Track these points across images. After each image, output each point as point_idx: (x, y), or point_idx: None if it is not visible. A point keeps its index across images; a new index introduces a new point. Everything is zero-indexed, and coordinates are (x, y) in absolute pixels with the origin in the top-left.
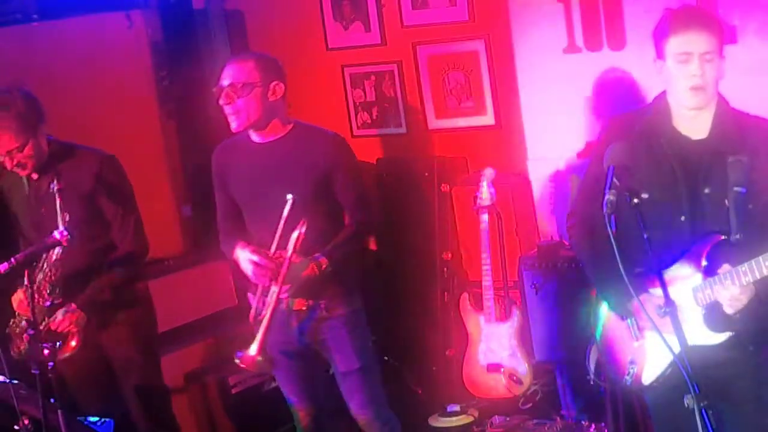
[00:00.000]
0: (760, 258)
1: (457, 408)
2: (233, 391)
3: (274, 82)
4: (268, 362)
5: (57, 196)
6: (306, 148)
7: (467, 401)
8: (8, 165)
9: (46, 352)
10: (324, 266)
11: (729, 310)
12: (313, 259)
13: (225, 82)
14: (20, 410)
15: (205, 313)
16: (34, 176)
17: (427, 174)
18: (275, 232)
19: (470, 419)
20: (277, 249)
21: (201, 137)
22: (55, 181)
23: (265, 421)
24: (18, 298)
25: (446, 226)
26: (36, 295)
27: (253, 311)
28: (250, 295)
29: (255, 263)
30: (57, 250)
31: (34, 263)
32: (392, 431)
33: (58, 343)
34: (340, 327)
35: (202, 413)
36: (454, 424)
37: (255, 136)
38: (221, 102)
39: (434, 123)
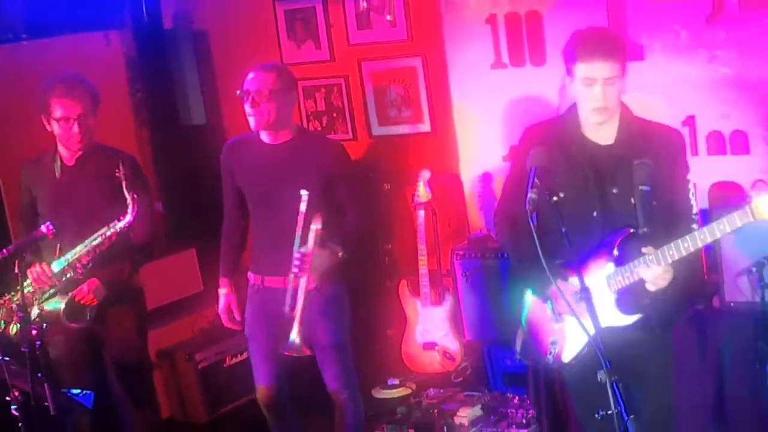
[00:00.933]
0: (680, 240)
1: (396, 381)
2: (200, 366)
3: (294, 91)
4: (306, 343)
5: (123, 179)
6: (314, 152)
7: (406, 375)
8: (74, 130)
9: (34, 332)
10: (340, 254)
11: (653, 288)
12: (331, 250)
13: (252, 87)
14: (11, 384)
15: (175, 298)
16: (69, 163)
17: (371, 175)
18: (286, 224)
19: (408, 391)
20: (300, 243)
21: (170, 143)
22: (121, 167)
23: (229, 392)
24: (37, 270)
25: (387, 221)
26: (68, 268)
27: (287, 305)
28: (249, 273)
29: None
30: (116, 226)
31: (24, 254)
32: (358, 407)
33: (44, 325)
34: (327, 303)
35: (172, 386)
36: (394, 396)
37: (265, 137)
38: (248, 104)
39: (377, 130)
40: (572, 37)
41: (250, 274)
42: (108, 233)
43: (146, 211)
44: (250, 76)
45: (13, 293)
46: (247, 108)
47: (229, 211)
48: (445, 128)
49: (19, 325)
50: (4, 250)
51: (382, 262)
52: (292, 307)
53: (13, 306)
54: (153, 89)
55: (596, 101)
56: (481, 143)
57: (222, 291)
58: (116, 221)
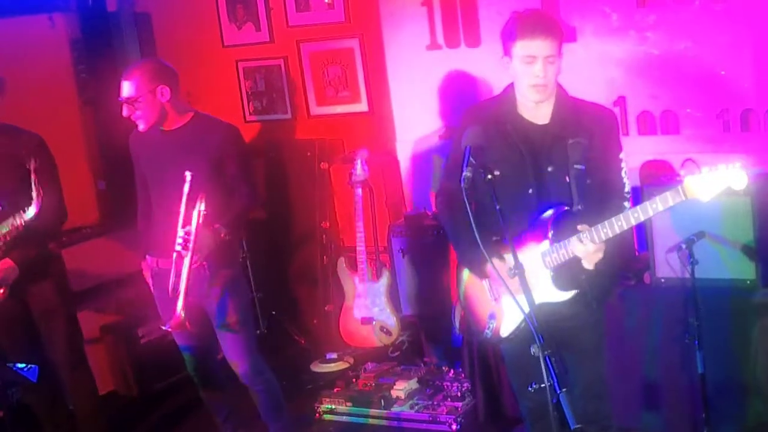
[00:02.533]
0: (613, 219)
1: (335, 356)
2: (142, 341)
3: (159, 87)
4: (190, 319)
5: (33, 174)
6: (203, 135)
7: (344, 350)
8: None
9: None
10: (223, 235)
11: (588, 265)
12: (215, 230)
13: (123, 96)
14: None
15: (118, 275)
16: None
17: (309, 154)
18: (174, 206)
19: (346, 365)
20: (184, 223)
21: (114, 123)
22: (32, 160)
23: (169, 367)
24: None
25: (325, 199)
26: None
27: (171, 284)
28: (148, 257)
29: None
30: (24, 218)
31: None
32: (268, 382)
33: None
34: (221, 285)
35: (115, 361)
36: (332, 369)
37: (157, 126)
38: (124, 114)
39: (315, 110)
40: (511, 17)
41: (147, 257)
42: (15, 223)
43: (52, 192)
44: (121, 85)
45: None
46: (127, 115)
47: (140, 194)
48: (381, 108)
49: None
50: None
51: (319, 240)
52: (175, 286)
53: None
54: (97, 70)
55: (536, 78)
56: (417, 123)
57: (146, 274)
58: (22, 212)
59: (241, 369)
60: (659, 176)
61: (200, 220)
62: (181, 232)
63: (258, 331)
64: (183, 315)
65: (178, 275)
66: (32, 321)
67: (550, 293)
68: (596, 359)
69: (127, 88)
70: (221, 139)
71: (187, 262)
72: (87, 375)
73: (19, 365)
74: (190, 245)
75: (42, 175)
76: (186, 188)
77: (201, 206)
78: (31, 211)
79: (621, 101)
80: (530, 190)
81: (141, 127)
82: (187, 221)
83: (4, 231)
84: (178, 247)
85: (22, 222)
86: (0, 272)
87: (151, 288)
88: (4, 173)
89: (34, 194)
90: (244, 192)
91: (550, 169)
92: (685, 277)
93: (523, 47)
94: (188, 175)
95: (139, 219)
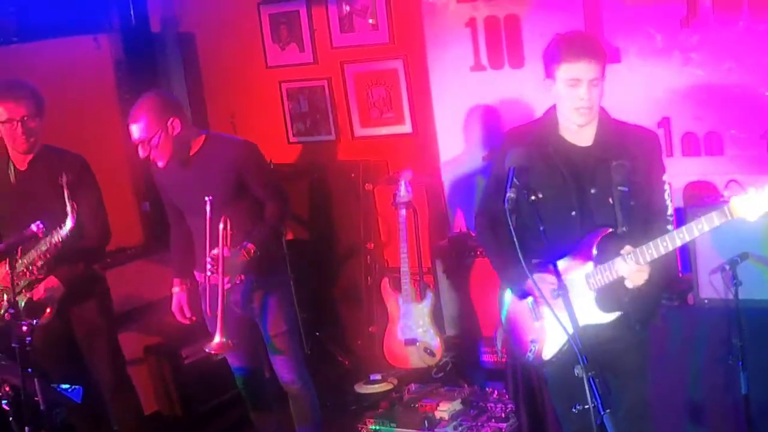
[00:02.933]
0: (659, 240)
1: (378, 377)
2: (185, 362)
3: (169, 121)
4: (231, 343)
5: (65, 188)
6: (218, 156)
7: (388, 371)
8: (18, 131)
9: (24, 328)
10: (252, 251)
11: (631, 284)
12: (243, 247)
13: (135, 138)
14: (1, 379)
15: (162, 295)
16: (22, 168)
17: (353, 175)
18: (203, 226)
19: (390, 386)
20: (211, 246)
21: None
22: (64, 175)
23: (214, 387)
24: (1, 271)
25: (369, 220)
26: (25, 270)
27: (207, 308)
28: (195, 272)
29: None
30: (60, 234)
31: (14, 252)
32: (309, 392)
33: (35, 321)
34: (268, 296)
35: (158, 381)
36: (376, 391)
37: (175, 159)
38: (142, 155)
39: (359, 131)
40: (554, 39)
41: (196, 273)
42: (53, 240)
43: (95, 213)
44: (130, 127)
45: None
46: (143, 155)
47: (171, 219)
48: (425, 129)
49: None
50: None
51: (364, 261)
52: (212, 308)
53: (4, 295)
54: (141, 91)
55: (580, 101)
56: (461, 144)
57: (174, 290)
58: (59, 228)
59: (289, 377)
60: (703, 197)
61: (227, 242)
62: (208, 257)
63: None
64: (223, 338)
65: (213, 298)
66: (75, 342)
67: (594, 315)
68: (640, 381)
69: (138, 130)
70: (236, 156)
71: (220, 284)
72: (130, 397)
73: (64, 386)
74: (219, 269)
75: (77, 191)
76: (208, 212)
77: (225, 228)
78: (66, 226)
79: (665, 122)
80: (573, 213)
81: (160, 164)
82: (214, 244)
83: (43, 249)
84: (209, 273)
85: (60, 238)
86: (44, 291)
87: (184, 305)
88: (46, 194)
89: (68, 209)
90: (272, 204)
91: (593, 191)
92: (729, 298)
93: (567, 70)
94: (207, 200)
95: (173, 244)
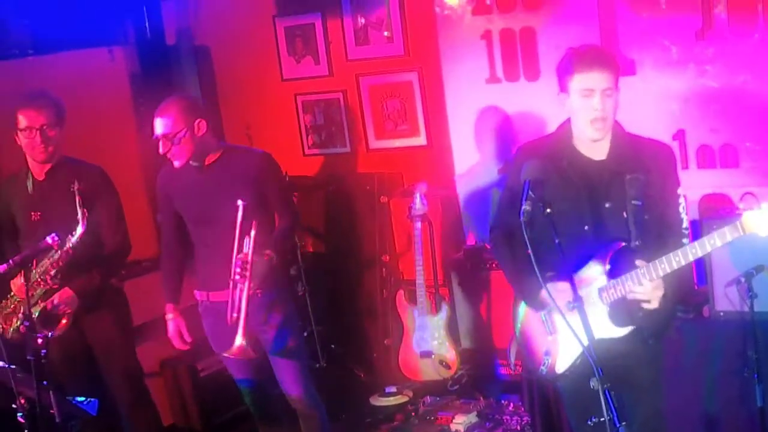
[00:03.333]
0: (671, 255)
1: (394, 389)
2: (201, 374)
3: (196, 121)
4: (252, 346)
5: (77, 195)
6: (242, 166)
7: (403, 383)
8: (37, 140)
9: (39, 341)
10: (274, 259)
11: (651, 305)
12: (268, 256)
13: (158, 132)
14: (17, 391)
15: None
16: (40, 178)
17: (368, 187)
18: (220, 240)
19: (405, 399)
20: (238, 251)
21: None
22: (76, 182)
23: (230, 400)
24: (17, 283)
25: (385, 233)
26: (39, 279)
27: (229, 312)
28: (195, 291)
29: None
30: (71, 240)
31: (29, 264)
32: (318, 408)
33: (50, 333)
34: (277, 311)
35: (174, 394)
36: (391, 403)
37: (193, 162)
38: (161, 151)
39: (374, 143)
40: (567, 52)
41: (196, 293)
42: (64, 247)
43: (114, 224)
44: (155, 121)
45: (9, 298)
46: (164, 151)
47: (167, 238)
48: (440, 142)
49: (14, 327)
50: (10, 260)
51: (379, 273)
52: (236, 314)
53: (19, 307)
54: (156, 104)
55: (595, 111)
56: (476, 156)
57: (169, 317)
58: (70, 236)
59: (296, 393)
60: (718, 210)
61: (254, 247)
62: (236, 261)
63: (317, 365)
64: (244, 342)
65: (235, 304)
66: (92, 355)
67: (607, 329)
68: (653, 395)
69: (163, 125)
70: (260, 167)
71: (245, 289)
72: (148, 411)
73: (79, 398)
74: (247, 273)
75: (95, 201)
76: (239, 217)
77: (253, 232)
78: (77, 233)
79: (680, 134)
80: (586, 227)
81: (177, 164)
82: (240, 250)
83: (55, 257)
84: (237, 276)
85: (71, 245)
86: (59, 300)
87: (183, 330)
88: (63, 204)
89: (79, 215)
90: (287, 216)
91: (607, 205)
92: (744, 310)
93: (580, 81)
94: (240, 204)
95: (165, 261)
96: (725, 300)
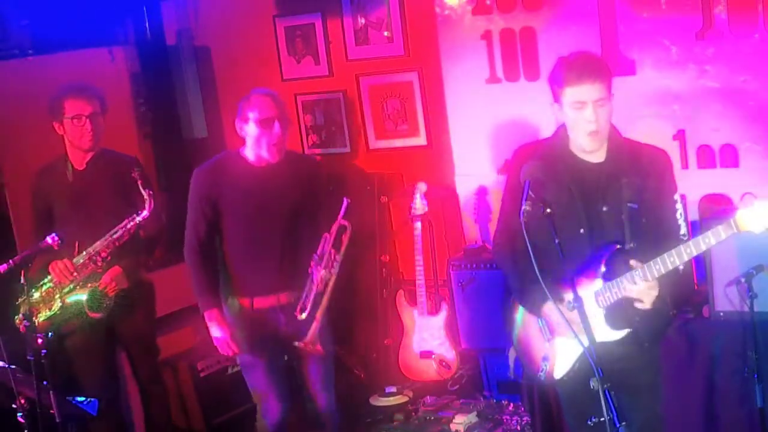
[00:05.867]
0: (665, 255)
1: (394, 389)
2: (202, 374)
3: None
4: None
5: (138, 179)
6: (302, 170)
7: (403, 384)
8: (87, 127)
9: (39, 341)
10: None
11: (644, 305)
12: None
13: (266, 114)
14: (17, 391)
15: (178, 307)
16: (80, 168)
17: (368, 187)
18: (272, 245)
19: (406, 399)
20: (323, 246)
21: (173, 155)
22: (134, 170)
23: (230, 400)
24: (59, 265)
25: (385, 233)
26: (88, 261)
27: (301, 304)
28: (237, 300)
29: (224, 340)
30: (136, 220)
31: (29, 264)
32: (337, 414)
33: (50, 335)
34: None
35: (175, 394)
36: (391, 403)
37: (252, 158)
38: (266, 132)
39: (374, 143)
40: (558, 63)
41: (238, 301)
42: (128, 226)
43: (157, 208)
44: (257, 102)
45: (41, 286)
46: (260, 134)
47: (204, 237)
48: (440, 142)
49: (45, 314)
50: (11, 261)
51: (379, 274)
52: (308, 308)
53: (55, 300)
54: (156, 104)
55: (588, 124)
56: (476, 156)
57: (212, 324)
58: (135, 215)
59: (327, 400)
60: (718, 210)
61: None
62: (323, 256)
63: None
64: (317, 335)
65: (308, 298)
66: (115, 340)
67: (603, 332)
68: (651, 398)
69: (274, 106)
70: (318, 174)
71: (332, 282)
72: (161, 386)
73: (79, 398)
74: (333, 269)
75: (147, 181)
76: (341, 214)
77: (333, 233)
78: (143, 213)
79: (680, 134)
80: (581, 230)
81: (275, 157)
82: (322, 247)
83: (116, 236)
84: (323, 271)
85: (135, 224)
86: (109, 277)
87: (225, 337)
88: (104, 193)
89: (145, 196)
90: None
91: (605, 209)
92: (744, 310)
93: (571, 94)
94: (345, 201)
95: (203, 268)
96: (725, 300)
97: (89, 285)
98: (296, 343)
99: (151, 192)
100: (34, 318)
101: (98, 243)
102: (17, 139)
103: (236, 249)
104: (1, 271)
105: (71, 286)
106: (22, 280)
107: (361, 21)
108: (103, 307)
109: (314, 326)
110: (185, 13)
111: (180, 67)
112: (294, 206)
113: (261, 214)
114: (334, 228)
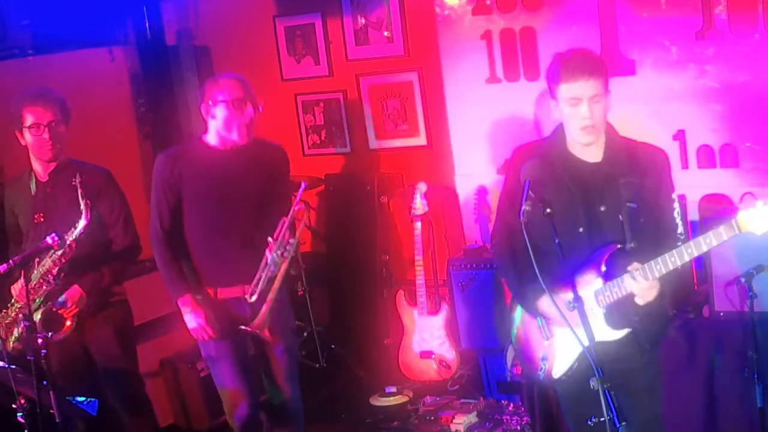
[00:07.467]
0: (666, 255)
1: (394, 389)
2: (202, 374)
3: (260, 104)
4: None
5: (79, 188)
6: (266, 156)
7: (403, 384)
8: (45, 136)
9: (39, 341)
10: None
11: (641, 301)
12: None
13: (236, 95)
14: (17, 391)
15: (176, 308)
16: (43, 179)
17: (368, 187)
18: (237, 233)
19: (406, 399)
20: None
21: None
22: (77, 176)
23: None
24: (17, 287)
25: (385, 232)
26: (41, 280)
27: (255, 290)
28: (208, 290)
29: (199, 325)
30: (74, 233)
31: (30, 264)
32: (300, 407)
33: (50, 334)
34: (280, 308)
35: (174, 394)
36: (391, 403)
37: (216, 142)
38: (237, 114)
39: (374, 143)
40: (554, 60)
41: (208, 290)
42: (68, 241)
43: (123, 223)
44: (226, 84)
45: (10, 307)
46: (231, 116)
47: (168, 224)
48: (440, 141)
49: (15, 336)
50: (11, 261)
51: (379, 273)
52: (257, 292)
53: (19, 315)
54: (156, 104)
55: (583, 119)
56: (476, 156)
57: (186, 309)
58: (72, 229)
59: (293, 393)
60: (718, 210)
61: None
62: (280, 241)
63: (317, 365)
64: (267, 319)
65: (261, 282)
66: (93, 363)
67: (603, 332)
68: (651, 399)
69: (243, 88)
70: (282, 160)
71: (283, 269)
72: (145, 417)
73: (79, 398)
74: (287, 254)
75: (101, 200)
76: (299, 196)
77: (290, 217)
78: (80, 224)
79: (680, 135)
80: (581, 230)
81: (243, 138)
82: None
83: (58, 254)
84: (276, 256)
85: (73, 239)
86: (67, 298)
87: (200, 322)
88: (66, 204)
89: (82, 206)
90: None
91: (602, 208)
92: (744, 310)
93: (567, 90)
94: (303, 184)
95: (168, 250)
96: (725, 300)
97: (42, 306)
98: (242, 327)
99: (89, 203)
100: (7, 342)
101: (45, 261)
102: (17, 140)
103: (199, 236)
104: (1, 272)
105: (37, 303)
106: (23, 279)
107: (361, 21)
108: (59, 327)
109: (264, 310)
110: (185, 13)
111: (180, 67)
112: (257, 192)
113: (224, 200)
114: (292, 211)
